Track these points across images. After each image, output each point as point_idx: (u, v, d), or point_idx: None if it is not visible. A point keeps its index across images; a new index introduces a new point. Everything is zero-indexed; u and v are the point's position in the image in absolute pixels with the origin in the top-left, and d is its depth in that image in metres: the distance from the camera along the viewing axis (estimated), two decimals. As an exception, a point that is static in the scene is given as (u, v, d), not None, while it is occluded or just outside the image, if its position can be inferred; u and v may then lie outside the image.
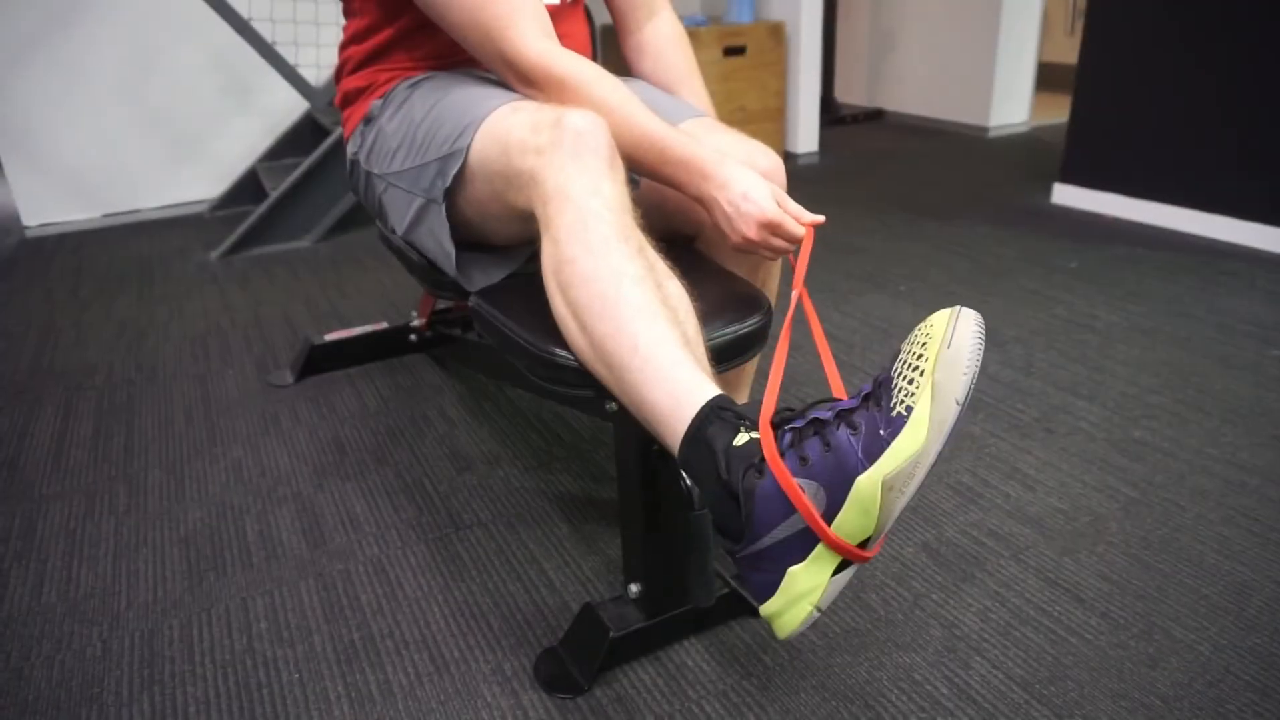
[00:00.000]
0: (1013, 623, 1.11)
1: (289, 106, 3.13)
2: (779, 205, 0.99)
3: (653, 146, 1.01)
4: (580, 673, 1.04)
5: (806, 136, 3.57)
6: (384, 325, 1.91)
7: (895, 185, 3.15)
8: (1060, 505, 1.34)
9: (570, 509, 1.38)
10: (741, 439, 0.73)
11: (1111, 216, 2.67)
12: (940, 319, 0.71)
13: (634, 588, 1.07)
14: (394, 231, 1.17)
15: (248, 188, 3.08)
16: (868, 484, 0.69)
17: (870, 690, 1.02)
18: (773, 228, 0.98)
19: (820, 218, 1.01)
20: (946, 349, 0.68)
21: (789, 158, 3.58)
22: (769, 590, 0.73)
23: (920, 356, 0.69)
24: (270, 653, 1.11)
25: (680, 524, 1.00)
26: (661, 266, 0.91)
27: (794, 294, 0.94)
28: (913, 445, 0.68)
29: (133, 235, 2.91)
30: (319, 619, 1.16)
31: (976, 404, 1.63)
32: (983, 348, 0.70)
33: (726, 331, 0.96)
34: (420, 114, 1.09)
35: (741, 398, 1.26)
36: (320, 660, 1.09)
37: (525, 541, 1.31)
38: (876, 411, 0.70)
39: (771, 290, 1.19)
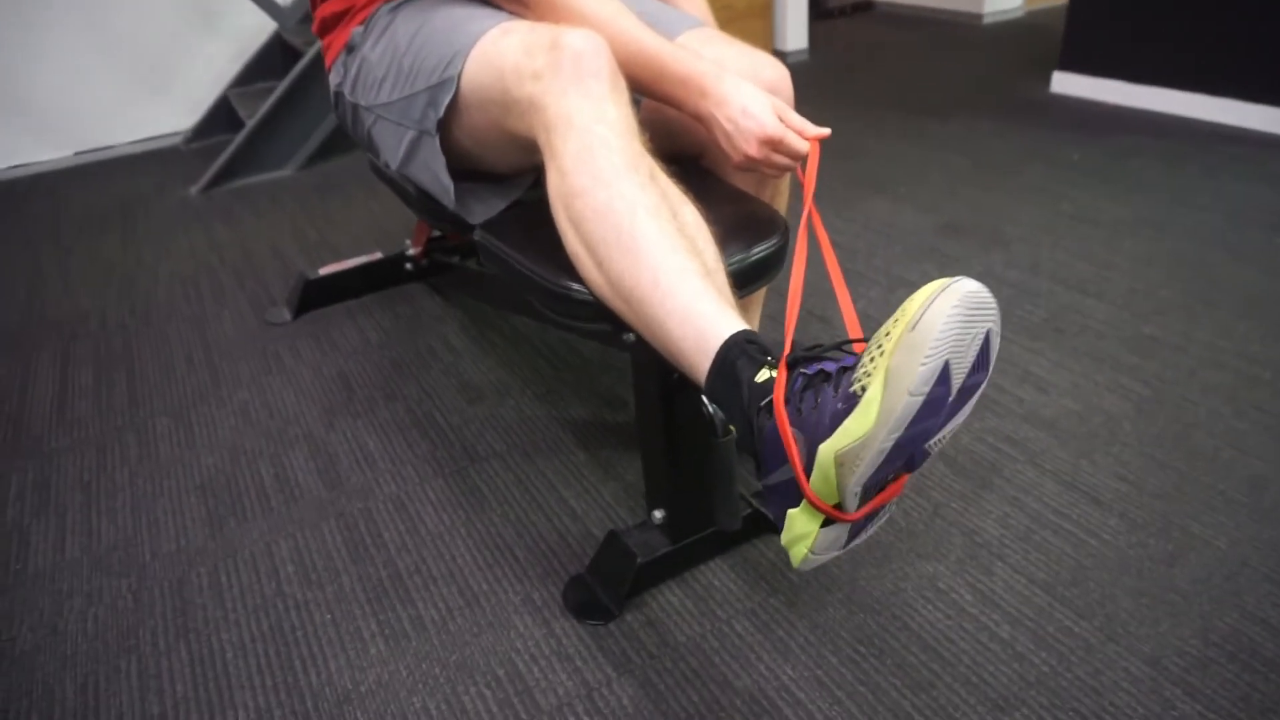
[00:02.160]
0: (1033, 527, 1.13)
1: (256, 27, 2.99)
2: (781, 120, 0.95)
3: (649, 63, 0.96)
4: (610, 599, 1.06)
5: (795, 33, 3.45)
6: (378, 255, 1.87)
7: (889, 81, 3.06)
8: (1074, 407, 1.34)
9: (584, 435, 1.38)
10: (762, 375, 0.71)
11: (1113, 104, 2.60)
12: (926, 291, 0.63)
13: (658, 514, 1.07)
14: (387, 165, 1.12)
15: (222, 116, 2.96)
16: (824, 454, 0.66)
17: (896, 601, 1.04)
18: (774, 144, 0.95)
19: (825, 131, 0.97)
20: (910, 331, 0.62)
21: (778, 56, 3.46)
22: (780, 524, 0.73)
23: (886, 334, 0.64)
24: (300, 595, 1.12)
25: (703, 451, 0.99)
26: (675, 192, 0.88)
27: (804, 214, 0.90)
28: (859, 429, 0.65)
29: (108, 173, 2.82)
30: (345, 559, 1.17)
31: (985, 308, 1.62)
32: (971, 328, 0.62)
33: (744, 257, 0.93)
34: (405, 41, 1.04)
35: (754, 319, 1.24)
36: (350, 600, 1.11)
37: (543, 470, 1.31)
38: (845, 378, 0.67)
39: (781, 206, 1.16)
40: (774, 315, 1.56)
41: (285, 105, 2.56)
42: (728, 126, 0.95)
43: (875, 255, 1.85)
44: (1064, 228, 1.90)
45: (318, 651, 1.04)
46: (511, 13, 1.00)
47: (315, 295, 1.81)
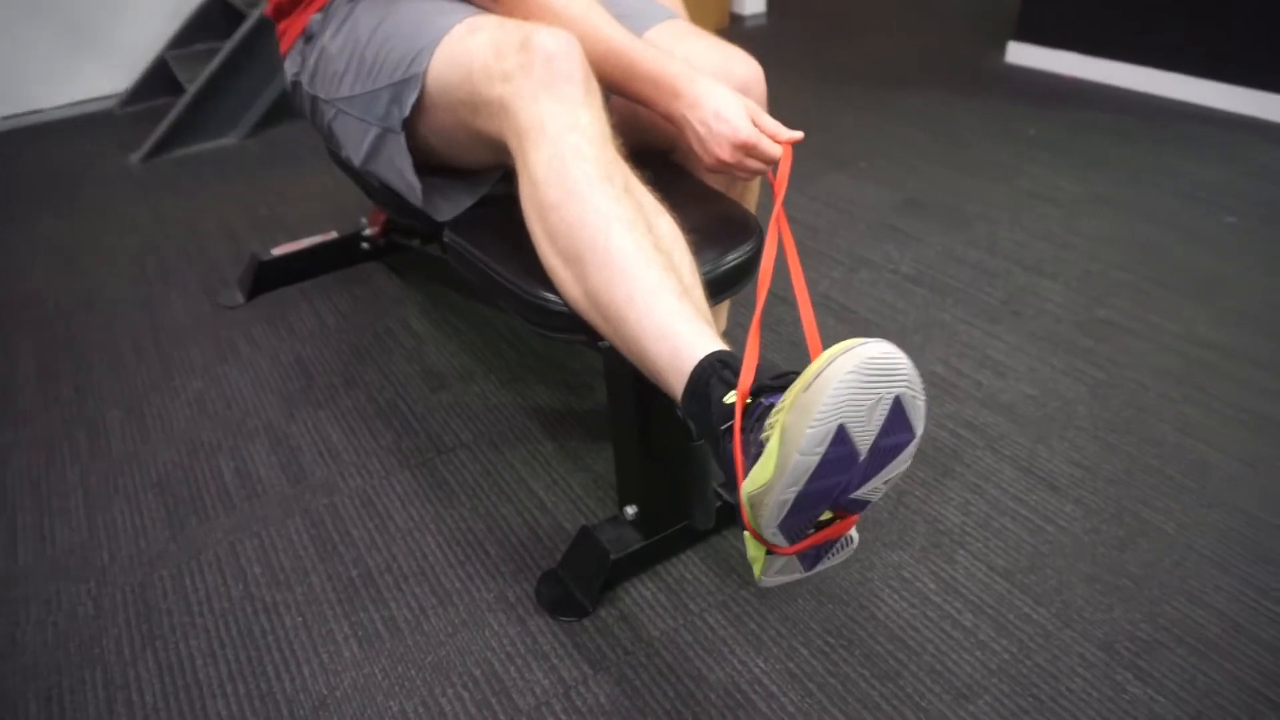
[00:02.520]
0: (992, 514, 1.16)
1: (193, -16, 2.85)
2: (754, 123, 0.94)
3: (619, 61, 0.94)
4: (584, 595, 1.06)
5: (753, -5, 3.40)
6: (333, 235, 1.82)
7: (847, 49, 3.04)
8: (1030, 391, 1.37)
9: (551, 424, 1.38)
10: (730, 398, 0.71)
11: (1069, 76, 2.62)
12: (830, 351, 0.63)
13: (630, 510, 1.08)
14: (350, 160, 1.09)
15: (158, 79, 2.84)
16: (743, 492, 0.68)
17: (863, 591, 1.07)
18: (747, 149, 0.94)
19: (798, 134, 0.97)
20: (804, 392, 0.62)
21: (735, 20, 3.42)
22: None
23: (790, 391, 0.65)
24: (269, 597, 1.11)
25: (675, 451, 1.00)
26: (650, 202, 0.86)
27: (772, 220, 0.90)
28: (761, 477, 0.65)
29: (39, 139, 2.69)
30: (313, 558, 1.16)
31: (944, 289, 1.64)
32: (870, 393, 0.62)
33: (715, 266, 0.93)
34: (366, 33, 1.00)
35: (722, 316, 1.24)
36: (321, 601, 1.10)
37: (511, 462, 1.30)
38: (762, 423, 0.68)
39: (751, 203, 1.15)
40: (743, 323, 1.56)
41: (229, 70, 2.46)
42: (700, 130, 0.93)
43: (837, 234, 1.86)
44: (1021, 205, 1.93)
45: (290, 656, 1.03)
46: (478, 6, 0.97)
47: (269, 277, 1.76)
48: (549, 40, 0.85)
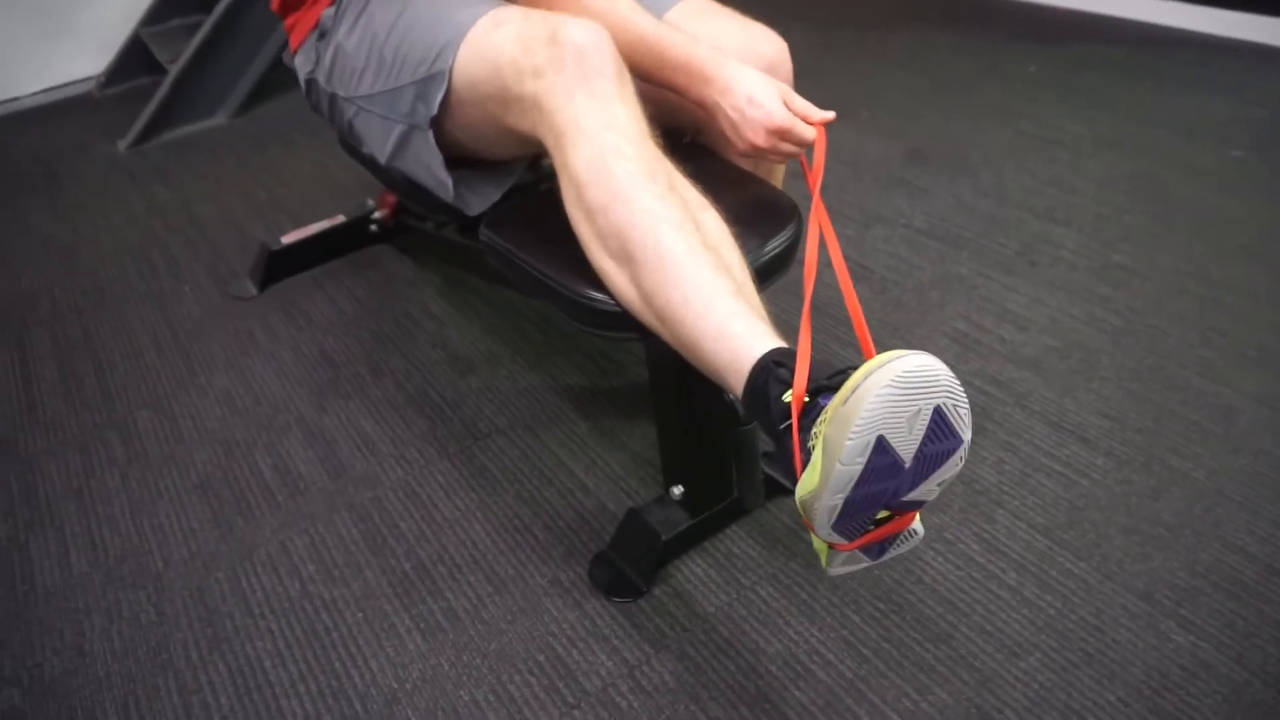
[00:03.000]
0: (1027, 471, 1.19)
1: (162, -43, 2.76)
2: (786, 106, 0.94)
3: (649, 50, 0.93)
4: (637, 575, 1.09)
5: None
6: (340, 219, 1.80)
7: (837, -12, 2.99)
8: (1053, 343, 1.39)
9: (583, 404, 1.39)
10: (786, 397, 0.73)
11: (1065, 9, 2.59)
12: (869, 364, 0.65)
13: (676, 490, 1.10)
14: (374, 159, 1.08)
15: (136, 58, 2.76)
16: (797, 495, 0.70)
17: (909, 555, 1.10)
18: (782, 133, 0.94)
19: (830, 115, 0.96)
20: (842, 405, 0.64)
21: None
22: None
23: (834, 399, 0.67)
24: (327, 594, 1.13)
25: (722, 433, 1.02)
26: (694, 197, 0.86)
27: (811, 216, 0.90)
28: (809, 484, 0.67)
29: (19, 128, 2.63)
30: (365, 553, 1.18)
31: (958, 242, 1.65)
32: (909, 405, 0.63)
33: (760, 255, 0.93)
34: (384, 29, 0.98)
35: None
36: (379, 596, 1.12)
37: (548, 444, 1.32)
38: (810, 431, 0.69)
39: (778, 179, 1.15)
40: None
41: (211, 47, 2.40)
42: (733, 115, 0.93)
43: (845, 189, 1.86)
44: (1027, 149, 1.93)
45: (356, 652, 1.06)
46: (499, -2, 0.95)
47: (280, 266, 1.75)
48: (579, 33, 0.84)
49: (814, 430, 0.69)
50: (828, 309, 1.48)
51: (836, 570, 0.77)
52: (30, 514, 1.30)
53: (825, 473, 0.66)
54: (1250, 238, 1.58)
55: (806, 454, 0.70)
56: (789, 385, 0.74)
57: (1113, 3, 2.50)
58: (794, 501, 1.12)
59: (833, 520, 0.69)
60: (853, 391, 0.64)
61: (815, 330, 1.47)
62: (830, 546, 0.74)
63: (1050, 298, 1.49)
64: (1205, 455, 1.18)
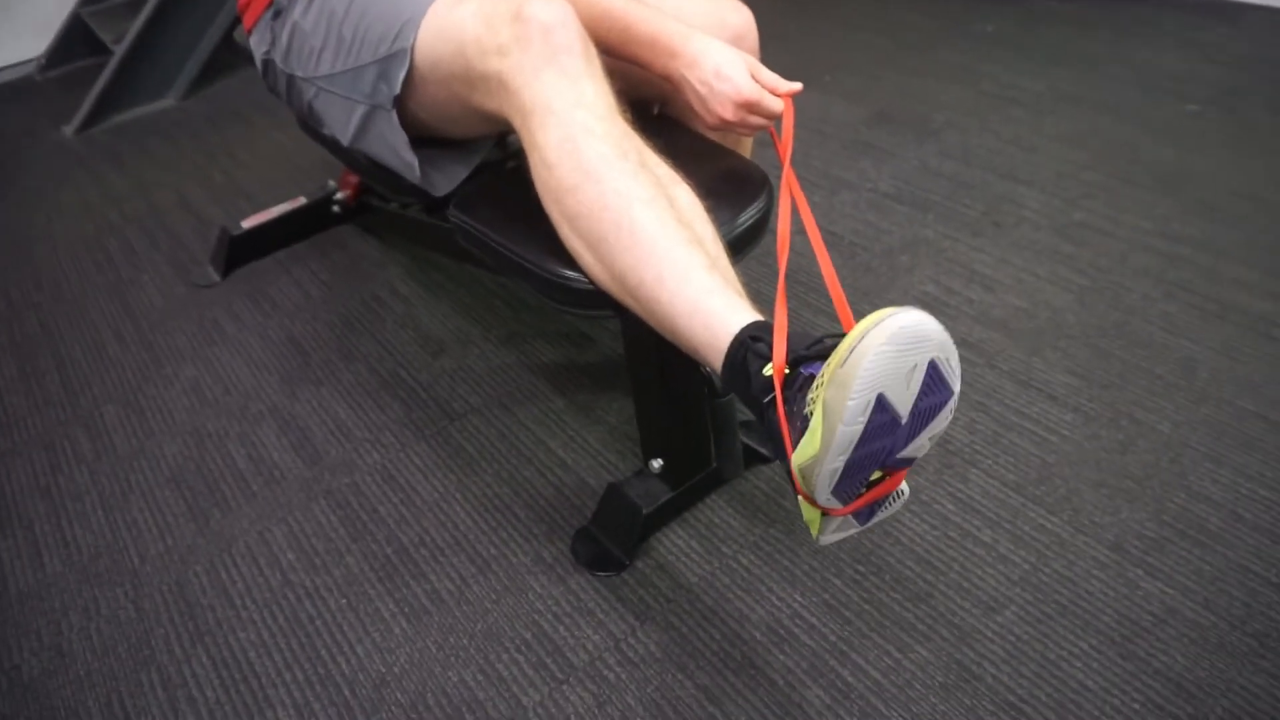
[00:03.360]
0: (998, 430, 1.21)
1: (99, -68, 2.66)
2: (754, 78, 0.93)
3: (614, 25, 0.92)
4: (620, 550, 1.10)
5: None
6: (302, 200, 1.77)
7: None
8: (1020, 304, 1.41)
9: (557, 379, 1.39)
10: (769, 370, 0.73)
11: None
12: (862, 324, 0.65)
13: (656, 463, 1.11)
14: (336, 140, 1.06)
15: (77, 38, 2.67)
16: (793, 464, 0.70)
17: (885, 517, 1.11)
18: (750, 106, 0.93)
19: (797, 86, 0.96)
20: (840, 367, 0.65)
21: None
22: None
23: (828, 365, 0.67)
24: (308, 582, 1.12)
25: (699, 405, 1.02)
26: (666, 172, 0.86)
27: (782, 187, 0.90)
28: (809, 450, 0.68)
29: (-42, 116, 2.53)
30: (345, 539, 1.17)
31: (924, 205, 1.66)
32: (905, 360, 0.64)
33: (734, 227, 0.93)
34: (341, 6, 0.96)
35: None
36: (362, 581, 1.12)
37: (524, 422, 1.32)
38: (802, 397, 0.70)
39: (747, 150, 1.15)
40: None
41: (155, 26, 2.32)
42: (701, 89, 0.92)
43: (811, 155, 1.86)
44: (988, 108, 1.94)
45: (341, 639, 1.05)
46: (458, -30, 0.93)
47: (242, 251, 1.71)
48: (543, 10, 0.83)
49: (810, 396, 0.69)
50: (799, 276, 1.49)
51: (828, 538, 0.78)
52: (-2, 514, 1.27)
53: (827, 436, 0.66)
54: (1208, 192, 1.60)
55: (803, 420, 0.69)
56: (767, 359, 0.74)
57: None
58: (771, 469, 1.14)
59: (833, 484, 0.69)
60: (850, 351, 0.64)
61: (789, 300, 1.48)
62: (824, 514, 0.75)
63: (1015, 258, 1.51)
64: (1170, 408, 1.21)
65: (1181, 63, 2.02)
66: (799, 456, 0.70)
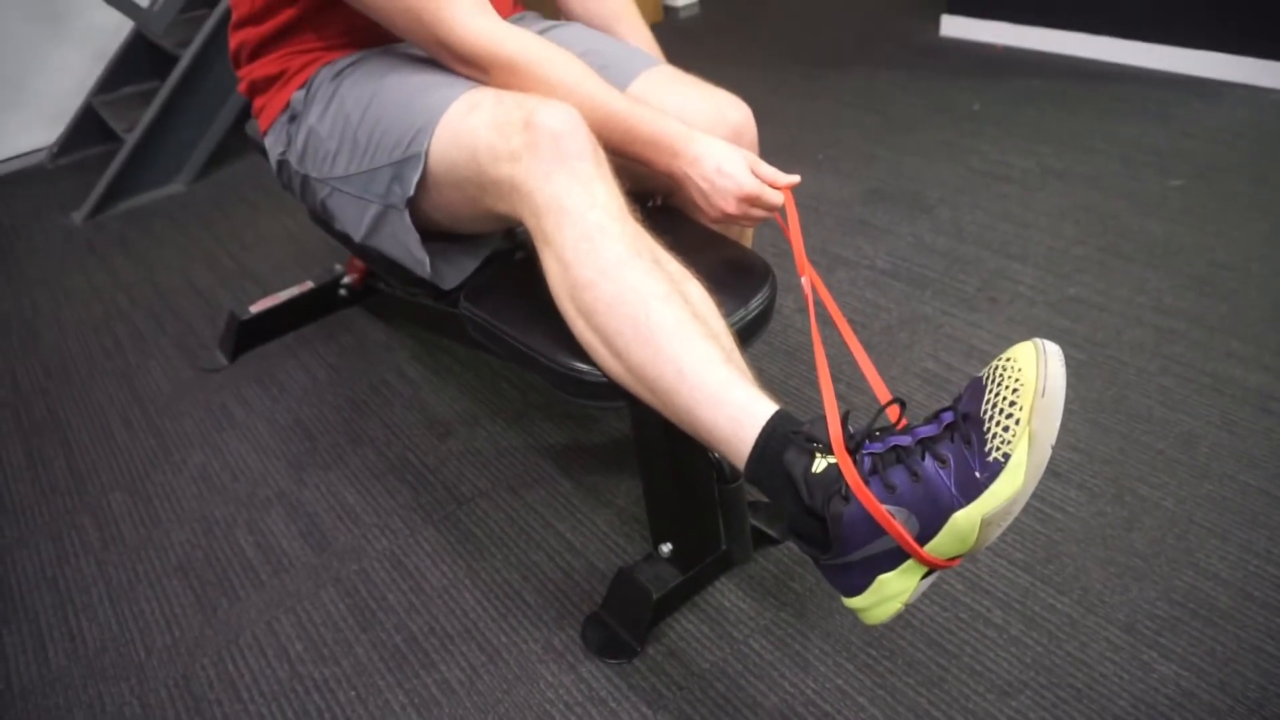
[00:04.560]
0: (1003, 508, 1.22)
1: (113, 26, 2.75)
2: (754, 173, 0.97)
3: (618, 126, 0.96)
4: (630, 635, 1.10)
5: (685, -15, 3.40)
6: (309, 285, 1.80)
7: (783, 32, 3.07)
8: (1019, 378, 1.43)
9: (565, 461, 1.40)
10: (819, 465, 0.75)
11: (1001, 46, 2.69)
12: (1028, 360, 0.70)
13: (665, 547, 1.11)
14: (348, 236, 1.09)
15: (89, 127, 2.74)
16: (965, 520, 0.72)
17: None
18: (751, 200, 0.97)
19: (795, 178, 1.00)
20: (1041, 398, 0.69)
21: (668, 12, 3.42)
22: (856, 590, 0.77)
23: (1013, 404, 0.70)
24: (317, 674, 1.12)
25: (714, 495, 1.03)
26: (677, 269, 0.89)
27: (804, 281, 0.94)
28: (1011, 488, 0.70)
29: (-30, 203, 2.58)
30: (354, 629, 1.17)
31: (921, 281, 1.70)
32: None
33: (742, 318, 0.96)
34: (357, 112, 0.99)
35: None
36: (371, 672, 1.11)
37: (532, 505, 1.32)
38: (968, 451, 0.72)
39: (748, 242, 1.18)
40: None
41: (168, 114, 2.39)
42: (703, 185, 0.96)
43: (808, 232, 1.90)
44: (979, 185, 1.99)
45: (351, 733, 1.04)
46: (469, 79, 0.97)
47: (250, 335, 1.74)
48: (552, 118, 0.86)
49: (1001, 437, 0.71)
50: (801, 355, 1.51)
51: (911, 601, 0.78)
52: (2, 607, 1.26)
53: (1034, 466, 0.70)
54: (1197, 265, 1.64)
55: (990, 467, 0.71)
56: (812, 453, 0.75)
57: (1046, 39, 2.60)
58: (780, 551, 1.14)
59: (1018, 512, 0.73)
60: (1045, 383, 0.69)
61: (786, 376, 1.51)
62: (927, 573, 0.76)
63: (1013, 333, 1.54)
64: (1173, 483, 1.22)
65: (1160, 137, 2.08)
66: (990, 503, 0.71)
